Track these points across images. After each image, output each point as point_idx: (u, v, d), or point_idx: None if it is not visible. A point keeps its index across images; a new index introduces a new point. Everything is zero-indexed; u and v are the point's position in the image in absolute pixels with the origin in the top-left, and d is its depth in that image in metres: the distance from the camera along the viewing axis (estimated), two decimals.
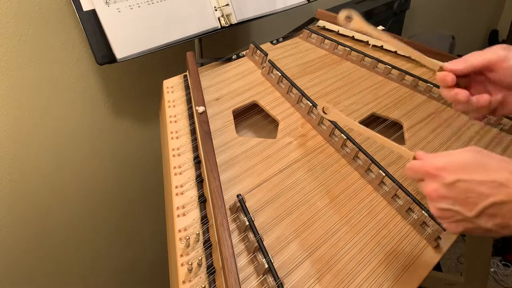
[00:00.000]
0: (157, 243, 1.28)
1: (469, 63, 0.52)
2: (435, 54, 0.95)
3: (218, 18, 0.87)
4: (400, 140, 0.77)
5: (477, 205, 0.43)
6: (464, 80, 0.54)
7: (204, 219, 0.56)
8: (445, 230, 0.57)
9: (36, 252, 1.01)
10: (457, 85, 0.53)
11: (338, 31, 1.00)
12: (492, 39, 2.65)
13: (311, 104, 0.74)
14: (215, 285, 0.49)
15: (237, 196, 0.57)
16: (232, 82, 0.82)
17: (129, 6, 0.77)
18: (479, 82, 0.54)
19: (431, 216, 0.59)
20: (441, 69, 0.54)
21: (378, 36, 0.58)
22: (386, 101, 0.83)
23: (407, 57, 0.96)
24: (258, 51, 0.87)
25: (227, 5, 0.87)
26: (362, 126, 0.56)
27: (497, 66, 0.51)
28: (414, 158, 0.49)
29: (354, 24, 0.56)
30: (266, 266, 0.50)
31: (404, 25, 1.63)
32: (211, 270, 0.50)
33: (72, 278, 1.12)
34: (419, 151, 0.49)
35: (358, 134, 0.74)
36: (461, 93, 0.53)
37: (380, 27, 0.98)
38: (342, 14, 0.56)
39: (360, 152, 0.67)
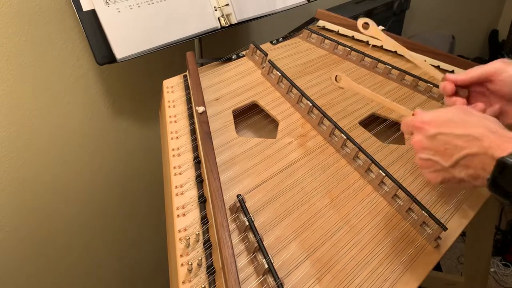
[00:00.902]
0: (157, 243, 1.28)
1: (469, 74, 0.57)
2: (435, 54, 0.95)
3: (218, 18, 0.87)
4: (400, 140, 0.77)
5: (453, 156, 0.47)
6: (466, 90, 0.59)
7: (204, 219, 0.56)
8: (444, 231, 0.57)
9: (36, 252, 1.01)
10: (458, 95, 0.59)
11: (338, 31, 1.00)
12: (492, 39, 2.64)
13: (311, 104, 0.74)
14: (215, 285, 0.49)
15: (237, 196, 0.57)
16: (232, 82, 0.82)
17: (129, 6, 0.77)
18: (480, 93, 0.59)
19: (431, 216, 0.59)
20: (444, 79, 0.59)
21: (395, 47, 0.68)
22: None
23: None
24: (258, 51, 0.87)
25: (227, 5, 0.87)
26: (371, 91, 0.62)
27: (494, 77, 0.56)
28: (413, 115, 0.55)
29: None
30: (266, 266, 0.50)
31: (404, 25, 1.63)
32: (211, 270, 0.50)
33: (73, 278, 1.12)
34: (418, 109, 0.54)
35: (358, 134, 0.74)
36: (459, 101, 0.58)
37: (380, 27, 0.98)
38: (360, 21, 0.65)
39: (360, 152, 0.67)
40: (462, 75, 0.58)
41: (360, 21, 0.65)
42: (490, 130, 0.45)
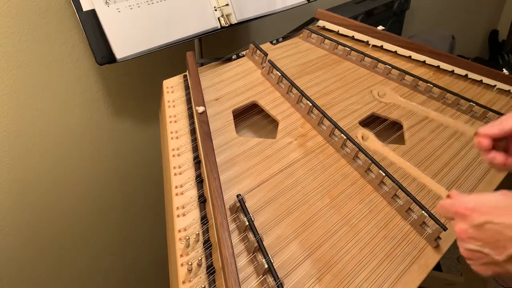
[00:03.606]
0: (157, 243, 1.28)
1: (503, 126, 0.52)
2: (435, 54, 0.95)
3: (218, 18, 0.87)
4: (400, 140, 0.77)
5: (506, 249, 0.42)
6: (503, 142, 0.54)
7: (204, 219, 0.56)
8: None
9: (36, 251, 1.01)
10: (495, 147, 0.53)
11: (338, 31, 1.00)
12: (492, 39, 2.64)
13: (311, 104, 0.74)
14: (215, 285, 0.49)
15: (237, 196, 0.57)
16: (232, 82, 0.82)
17: (129, 6, 0.77)
18: None
19: (431, 216, 0.59)
20: (477, 134, 0.54)
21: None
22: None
23: (408, 57, 0.96)
24: (258, 51, 0.87)
25: (227, 5, 0.87)
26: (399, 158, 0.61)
27: None
28: (448, 196, 0.50)
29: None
30: (266, 266, 0.50)
31: (404, 25, 1.63)
32: (211, 270, 0.50)
33: (72, 278, 1.12)
34: (453, 190, 0.50)
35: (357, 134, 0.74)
36: (498, 157, 0.52)
37: (380, 27, 0.98)
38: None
39: (360, 152, 0.67)
40: (496, 128, 0.52)
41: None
42: None
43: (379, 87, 0.60)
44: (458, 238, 0.46)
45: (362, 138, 0.64)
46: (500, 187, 0.71)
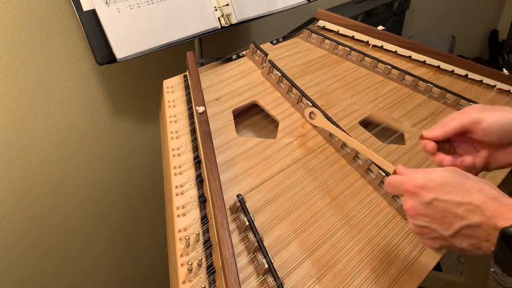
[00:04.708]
0: (157, 243, 1.28)
1: (446, 128, 0.53)
2: (435, 54, 0.95)
3: (218, 18, 0.87)
4: (400, 140, 0.77)
5: (452, 225, 0.44)
6: (447, 144, 0.55)
7: (204, 219, 0.56)
8: None
9: (36, 252, 1.01)
10: (443, 148, 0.55)
11: (338, 31, 1.00)
12: (492, 39, 2.65)
13: (311, 104, 0.74)
14: (215, 285, 0.49)
15: (237, 196, 0.57)
16: (232, 82, 0.82)
17: (129, 6, 0.77)
18: (464, 141, 0.55)
19: None
20: (422, 137, 0.55)
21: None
22: (386, 101, 0.83)
23: (408, 57, 0.96)
24: (258, 51, 0.87)
25: (227, 5, 0.87)
26: (344, 133, 0.62)
27: (472, 128, 0.52)
28: (394, 172, 0.51)
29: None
30: (266, 266, 0.50)
31: (404, 25, 1.63)
32: (211, 270, 0.50)
33: (73, 277, 1.12)
34: (399, 166, 0.51)
35: (358, 134, 0.74)
36: (446, 160, 0.54)
37: (380, 27, 0.98)
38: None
39: (360, 152, 0.67)
40: (438, 130, 0.54)
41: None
42: (490, 197, 0.43)
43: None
44: (408, 215, 0.48)
45: (310, 116, 0.65)
46: (502, 183, 0.71)
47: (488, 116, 0.51)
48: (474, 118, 0.52)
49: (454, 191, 0.44)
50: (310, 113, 0.65)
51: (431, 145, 0.54)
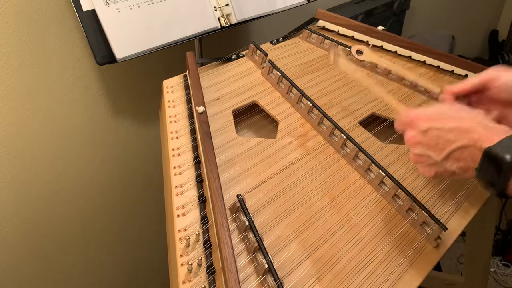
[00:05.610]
0: (157, 243, 1.28)
1: (466, 84, 0.59)
2: (435, 54, 0.95)
3: (218, 18, 0.87)
4: (400, 140, 0.77)
5: (444, 149, 0.49)
6: (465, 100, 0.60)
7: (204, 219, 0.56)
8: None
9: (37, 252, 1.01)
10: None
11: (338, 31, 1.00)
12: (492, 39, 2.64)
13: (311, 104, 0.74)
14: (215, 285, 0.49)
15: (237, 196, 0.57)
16: (232, 82, 0.82)
17: (129, 6, 0.77)
18: (480, 101, 0.60)
19: (431, 216, 0.59)
20: (442, 91, 0.60)
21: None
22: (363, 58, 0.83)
23: (408, 57, 0.96)
24: (258, 51, 0.87)
25: (227, 5, 0.87)
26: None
27: (490, 84, 0.57)
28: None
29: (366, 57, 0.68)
30: (266, 266, 0.50)
31: (404, 25, 1.63)
32: (211, 270, 0.50)
33: (73, 278, 1.12)
34: (412, 108, 0.55)
35: (358, 134, 0.74)
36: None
37: (380, 27, 0.98)
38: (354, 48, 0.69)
39: (360, 152, 0.67)
40: (460, 85, 0.59)
41: (354, 48, 0.70)
42: (480, 124, 0.47)
43: (358, 46, 0.64)
44: (408, 144, 0.53)
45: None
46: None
47: (505, 74, 0.56)
48: (491, 75, 0.57)
49: (447, 119, 0.49)
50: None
51: (450, 98, 0.59)
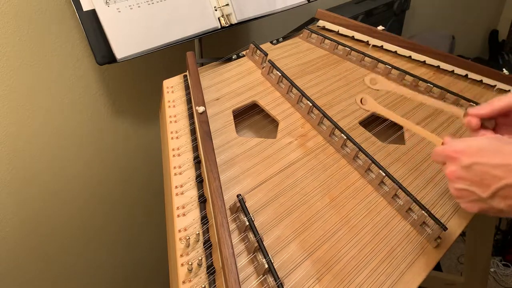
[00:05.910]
0: (157, 243, 1.28)
1: (492, 107, 0.56)
2: (435, 54, 0.95)
3: (218, 18, 0.87)
4: (400, 140, 0.77)
5: (490, 186, 0.47)
6: (492, 121, 0.58)
7: (204, 219, 0.56)
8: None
9: (37, 252, 1.01)
10: (484, 126, 0.57)
11: (338, 31, 1.00)
12: (492, 39, 2.65)
13: (311, 104, 0.74)
14: (215, 285, 0.49)
15: (237, 196, 0.57)
16: (232, 82, 0.82)
17: (129, 6, 0.77)
18: (506, 124, 0.57)
19: (431, 216, 0.59)
20: (466, 114, 0.58)
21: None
22: (386, 101, 0.83)
23: (408, 57, 0.96)
24: (258, 51, 0.87)
25: (227, 5, 0.87)
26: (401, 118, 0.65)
27: None
28: (442, 144, 0.55)
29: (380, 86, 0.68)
30: (266, 266, 0.50)
31: (404, 25, 1.63)
32: (211, 270, 0.50)
33: (73, 278, 1.12)
34: (446, 137, 0.54)
35: (358, 134, 0.74)
36: (488, 135, 0.56)
37: (380, 27, 0.98)
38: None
39: (360, 152, 0.67)
40: (486, 108, 0.56)
41: (368, 78, 0.69)
42: None
43: (371, 75, 0.63)
44: (449, 179, 0.51)
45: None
46: None
47: None
48: None
49: (492, 155, 0.47)
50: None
51: (475, 121, 0.56)
